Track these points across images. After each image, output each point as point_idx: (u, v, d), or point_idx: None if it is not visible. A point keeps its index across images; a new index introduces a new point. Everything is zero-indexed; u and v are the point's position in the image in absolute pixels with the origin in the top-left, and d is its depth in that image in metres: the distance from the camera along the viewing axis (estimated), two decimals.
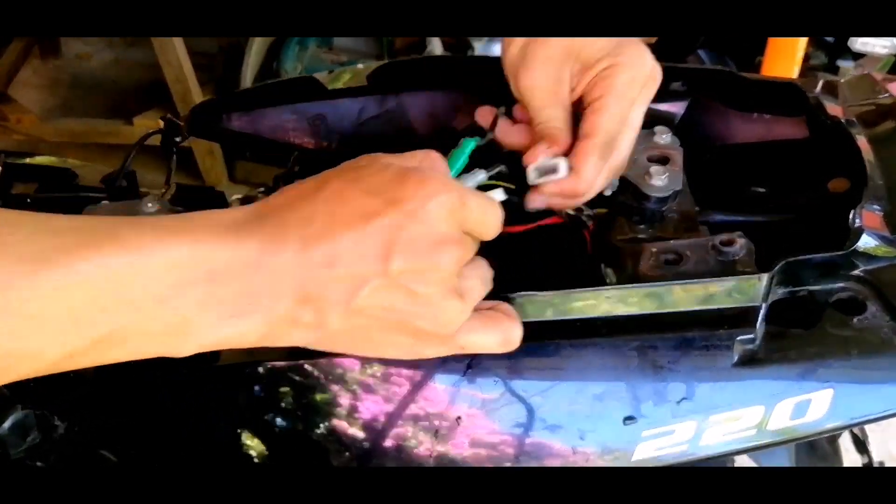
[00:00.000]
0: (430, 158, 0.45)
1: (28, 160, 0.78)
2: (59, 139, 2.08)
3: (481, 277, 0.45)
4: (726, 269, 0.50)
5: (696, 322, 0.49)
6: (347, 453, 0.49)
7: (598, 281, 0.56)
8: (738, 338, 0.49)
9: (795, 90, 0.65)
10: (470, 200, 0.42)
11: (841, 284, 0.52)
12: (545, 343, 0.49)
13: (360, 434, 0.49)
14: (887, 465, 1.31)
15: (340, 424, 0.49)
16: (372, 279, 0.40)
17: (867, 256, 0.52)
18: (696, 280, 0.49)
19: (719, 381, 0.50)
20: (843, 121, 0.61)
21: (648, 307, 0.49)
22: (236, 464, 0.50)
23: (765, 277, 0.49)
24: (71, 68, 2.39)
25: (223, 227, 0.40)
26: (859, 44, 1.21)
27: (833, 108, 0.63)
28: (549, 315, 0.49)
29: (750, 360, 0.49)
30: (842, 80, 0.69)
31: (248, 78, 1.96)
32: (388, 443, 0.49)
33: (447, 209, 0.41)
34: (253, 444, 0.49)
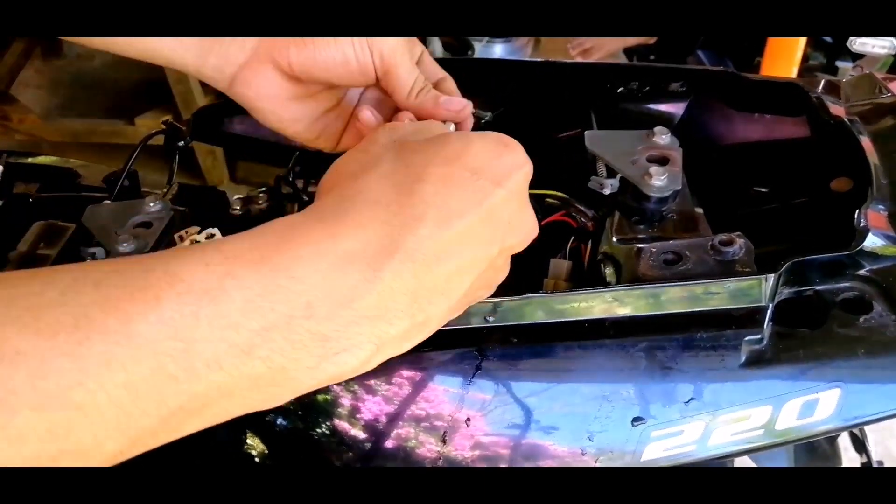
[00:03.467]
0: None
1: (30, 160, 0.78)
2: (60, 139, 2.08)
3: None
4: (725, 269, 0.51)
5: (704, 323, 0.50)
6: (350, 453, 0.49)
7: (598, 280, 0.56)
8: (746, 338, 0.49)
9: (797, 90, 0.65)
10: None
11: (847, 284, 0.52)
12: (552, 345, 0.49)
13: (362, 434, 0.49)
14: (886, 464, 1.31)
15: (342, 424, 0.49)
16: (478, 265, 0.37)
17: (873, 256, 0.53)
18: (702, 280, 0.49)
19: (727, 381, 0.50)
20: (845, 120, 0.61)
21: (652, 308, 0.50)
22: (237, 463, 0.50)
23: (771, 278, 0.49)
24: (73, 68, 2.39)
25: (312, 244, 0.32)
26: (858, 44, 1.21)
27: (835, 108, 0.63)
28: (545, 317, 0.49)
29: (757, 360, 0.49)
30: (843, 80, 0.69)
31: None
32: (391, 444, 0.49)
33: (528, 179, 0.40)
34: (254, 444, 0.49)
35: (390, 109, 0.52)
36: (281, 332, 0.30)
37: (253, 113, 0.50)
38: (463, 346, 0.48)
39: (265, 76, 0.49)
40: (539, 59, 0.70)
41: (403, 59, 0.48)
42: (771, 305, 0.50)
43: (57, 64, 2.38)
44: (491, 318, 0.49)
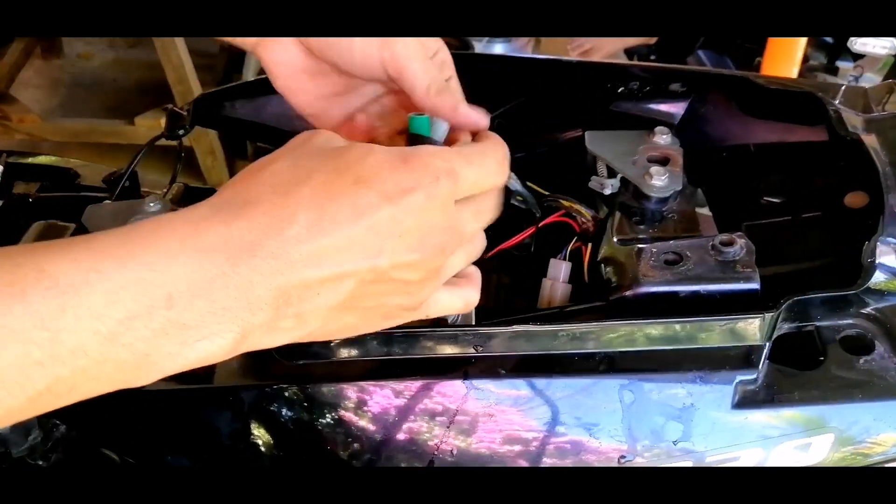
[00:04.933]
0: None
1: (30, 160, 0.78)
2: (60, 139, 2.08)
3: (468, 253, 0.44)
4: (726, 269, 0.50)
5: (697, 360, 0.48)
6: (356, 445, 0.49)
7: (598, 281, 0.56)
8: (739, 378, 0.48)
9: (814, 100, 0.62)
10: (462, 170, 0.40)
11: (849, 321, 0.50)
12: (540, 377, 0.48)
13: (371, 426, 0.49)
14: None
15: (348, 416, 0.49)
16: (359, 275, 0.37)
17: (879, 293, 0.50)
18: (697, 319, 0.48)
19: (718, 422, 0.48)
20: (863, 139, 0.57)
21: (644, 344, 0.48)
22: (244, 454, 0.50)
23: (769, 317, 0.48)
24: (72, 68, 2.39)
25: (176, 241, 0.34)
26: (859, 44, 1.21)
27: (853, 120, 0.60)
28: (533, 349, 0.49)
29: (750, 401, 0.48)
30: (866, 87, 0.67)
31: (249, 78, 1.97)
32: (402, 436, 0.49)
33: (441, 199, 0.39)
34: (259, 434, 0.49)
35: (402, 123, 0.52)
36: (143, 322, 0.32)
37: (268, 75, 0.53)
38: (450, 377, 0.48)
39: (285, 44, 0.51)
40: (544, 56, 0.69)
41: (417, 56, 0.48)
42: (768, 344, 0.48)
43: (57, 63, 2.39)
44: (480, 349, 0.48)
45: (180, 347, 0.34)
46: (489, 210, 0.45)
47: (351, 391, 0.48)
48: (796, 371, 0.49)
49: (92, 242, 0.33)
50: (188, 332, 0.34)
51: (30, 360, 0.31)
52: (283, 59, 0.51)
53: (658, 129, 0.61)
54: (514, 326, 0.48)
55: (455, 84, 0.52)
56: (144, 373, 0.34)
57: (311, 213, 0.36)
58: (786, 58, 1.37)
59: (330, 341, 0.49)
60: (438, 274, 0.42)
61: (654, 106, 0.67)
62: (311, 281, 0.36)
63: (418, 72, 0.48)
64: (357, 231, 0.37)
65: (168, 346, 0.33)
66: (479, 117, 0.49)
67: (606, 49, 1.77)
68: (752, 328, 0.48)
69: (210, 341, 0.34)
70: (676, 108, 0.67)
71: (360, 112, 0.53)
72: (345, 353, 0.49)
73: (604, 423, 0.48)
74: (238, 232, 0.35)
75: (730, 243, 0.51)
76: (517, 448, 0.49)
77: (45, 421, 0.50)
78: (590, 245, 0.59)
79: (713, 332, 0.48)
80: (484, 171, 0.43)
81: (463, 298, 0.46)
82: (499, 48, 1.85)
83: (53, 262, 0.32)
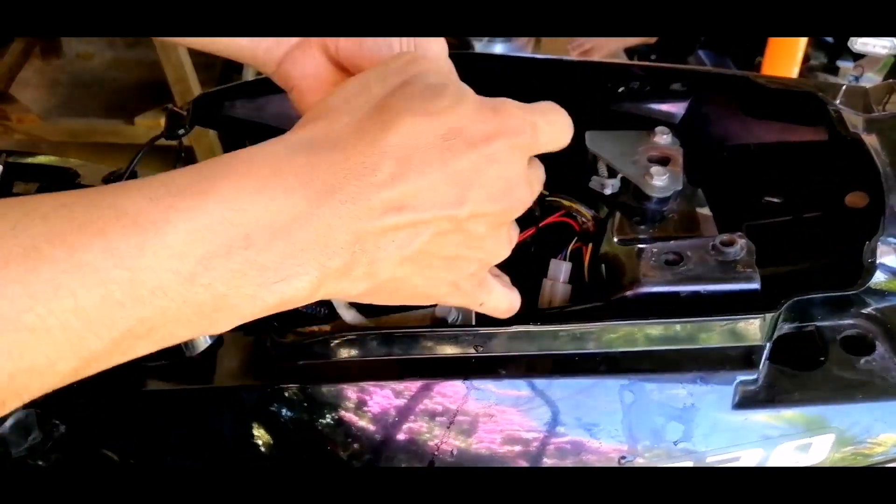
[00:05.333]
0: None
1: (29, 160, 0.78)
2: (60, 138, 2.08)
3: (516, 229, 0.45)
4: (726, 269, 0.50)
5: (697, 361, 0.48)
6: (356, 445, 0.49)
7: (598, 282, 0.56)
8: (740, 378, 0.48)
9: (815, 100, 0.62)
10: (541, 125, 0.40)
11: (850, 322, 0.50)
12: (540, 377, 0.48)
13: (371, 426, 0.49)
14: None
15: (348, 416, 0.49)
16: (437, 224, 0.37)
17: (880, 294, 0.51)
18: (698, 319, 0.48)
19: (718, 423, 0.48)
20: (864, 140, 0.57)
21: (644, 344, 0.48)
22: (244, 454, 0.50)
23: (769, 317, 0.48)
24: (72, 68, 2.39)
25: (258, 179, 0.34)
26: (859, 44, 1.21)
27: (854, 120, 0.60)
28: (534, 350, 0.49)
29: (751, 402, 0.48)
30: (867, 87, 0.67)
31: (248, 78, 1.96)
32: (402, 436, 0.49)
33: (522, 149, 0.39)
34: (260, 435, 0.49)
35: None
36: (221, 261, 0.32)
37: (292, 92, 0.52)
38: (450, 377, 0.48)
39: (312, 56, 0.50)
40: (544, 56, 0.69)
41: (447, 63, 0.50)
42: (768, 344, 0.48)
43: (56, 63, 2.38)
44: (480, 349, 0.48)
45: (258, 289, 0.34)
46: (540, 179, 0.44)
47: (351, 391, 0.48)
48: (797, 371, 0.49)
49: (169, 181, 0.33)
50: (266, 273, 0.33)
51: (111, 301, 0.31)
52: (311, 71, 0.50)
53: (658, 128, 0.61)
54: (515, 326, 0.48)
55: None
56: (223, 315, 0.34)
57: (397, 162, 0.35)
58: (786, 58, 1.37)
59: (330, 341, 0.49)
60: (503, 231, 0.42)
61: (654, 106, 0.67)
62: (389, 227, 0.36)
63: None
64: (440, 179, 0.36)
65: (247, 288, 0.33)
66: None
67: (607, 49, 1.78)
68: (753, 328, 0.48)
69: (287, 283, 0.34)
70: (677, 108, 0.67)
71: None
72: (345, 353, 0.49)
73: (604, 424, 0.48)
74: (320, 175, 0.34)
75: (730, 243, 0.51)
76: (517, 448, 0.49)
77: (45, 421, 0.50)
78: (590, 245, 0.59)
79: (714, 333, 0.48)
80: (557, 129, 0.43)
81: (511, 299, 0.47)
82: (499, 48, 1.86)
83: (131, 200, 0.32)
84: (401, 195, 0.35)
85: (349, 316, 0.51)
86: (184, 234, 0.32)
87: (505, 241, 0.42)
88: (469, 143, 0.37)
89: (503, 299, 0.46)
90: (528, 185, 0.41)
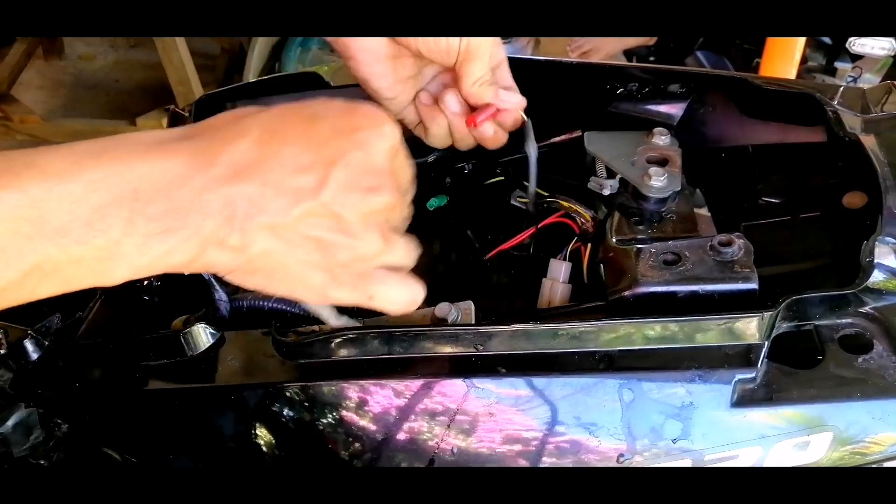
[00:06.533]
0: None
1: None
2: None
3: (407, 247, 0.46)
4: (725, 269, 0.50)
5: (696, 359, 0.48)
6: (357, 444, 0.49)
7: (597, 282, 0.56)
8: (738, 377, 0.48)
9: (813, 101, 0.62)
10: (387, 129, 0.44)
11: (848, 320, 0.50)
12: (539, 376, 0.48)
13: (372, 426, 0.49)
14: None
15: (349, 416, 0.49)
16: (304, 199, 0.40)
17: (878, 293, 0.51)
18: (696, 318, 0.48)
19: (717, 421, 0.48)
20: (862, 141, 0.57)
21: (643, 343, 0.49)
22: (245, 453, 0.50)
23: (768, 316, 0.48)
24: (74, 69, 2.40)
25: (146, 146, 0.39)
26: (857, 45, 1.21)
27: (852, 121, 0.60)
28: (533, 348, 0.49)
29: (749, 400, 0.48)
30: (864, 88, 0.67)
31: (250, 79, 1.97)
32: (402, 435, 0.49)
33: (390, 143, 0.43)
34: (261, 434, 0.49)
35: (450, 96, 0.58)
36: (114, 209, 0.38)
37: (350, 62, 0.56)
38: (451, 376, 0.48)
39: None
40: (544, 58, 0.70)
41: (484, 55, 0.54)
42: (766, 343, 0.48)
43: (58, 64, 2.39)
44: (480, 348, 0.49)
45: (146, 238, 0.38)
46: (407, 172, 0.46)
47: (352, 391, 0.48)
48: (795, 370, 0.49)
49: (75, 146, 0.39)
50: (152, 223, 0.38)
51: (21, 235, 0.36)
52: (370, 45, 0.55)
53: (657, 129, 0.61)
54: (515, 325, 0.48)
55: (500, 73, 0.58)
56: (118, 264, 0.39)
57: (263, 131, 0.40)
58: (784, 59, 1.37)
59: (330, 341, 0.49)
60: (378, 228, 0.43)
61: (653, 107, 0.67)
62: (256, 195, 0.40)
63: (481, 65, 0.55)
64: (305, 154, 0.40)
65: (135, 237, 0.38)
66: (515, 98, 0.58)
67: (606, 50, 1.78)
68: (751, 327, 0.48)
69: (171, 234, 0.39)
70: (675, 109, 0.67)
71: (423, 91, 0.59)
72: (345, 352, 0.49)
73: (603, 422, 0.48)
74: (197, 143, 0.40)
75: (728, 243, 0.51)
76: (517, 447, 0.49)
77: (47, 420, 0.50)
78: (589, 245, 0.60)
79: (712, 331, 0.48)
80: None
81: (409, 292, 0.46)
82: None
83: (41, 156, 0.38)
84: (266, 161, 0.40)
85: (339, 323, 0.51)
86: (84, 184, 0.37)
87: (377, 238, 0.43)
88: (333, 129, 0.42)
89: (398, 293, 0.46)
90: (393, 177, 0.44)
